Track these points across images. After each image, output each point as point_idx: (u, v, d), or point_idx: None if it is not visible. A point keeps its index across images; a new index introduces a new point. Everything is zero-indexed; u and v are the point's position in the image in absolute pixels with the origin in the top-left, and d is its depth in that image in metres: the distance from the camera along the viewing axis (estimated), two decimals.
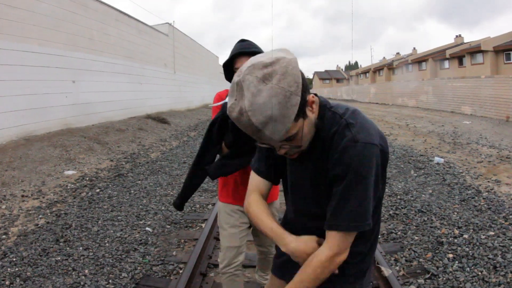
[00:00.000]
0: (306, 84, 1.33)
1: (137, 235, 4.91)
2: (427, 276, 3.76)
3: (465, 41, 38.70)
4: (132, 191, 7.02)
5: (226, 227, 2.75)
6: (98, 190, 7.11)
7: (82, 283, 3.69)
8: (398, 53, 55.58)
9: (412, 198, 6.19)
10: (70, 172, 8.45)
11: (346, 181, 1.39)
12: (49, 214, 5.87)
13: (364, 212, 1.41)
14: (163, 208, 6.09)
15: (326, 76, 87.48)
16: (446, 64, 36.23)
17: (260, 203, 1.69)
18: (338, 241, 1.42)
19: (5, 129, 10.13)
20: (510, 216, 5.20)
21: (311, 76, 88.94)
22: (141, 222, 5.40)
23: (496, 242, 4.38)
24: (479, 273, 3.73)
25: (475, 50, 30.10)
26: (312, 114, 1.42)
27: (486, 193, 6.36)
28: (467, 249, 4.23)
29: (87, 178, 8.02)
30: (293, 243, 1.51)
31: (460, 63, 33.29)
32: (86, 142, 11.28)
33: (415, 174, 7.83)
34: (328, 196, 1.48)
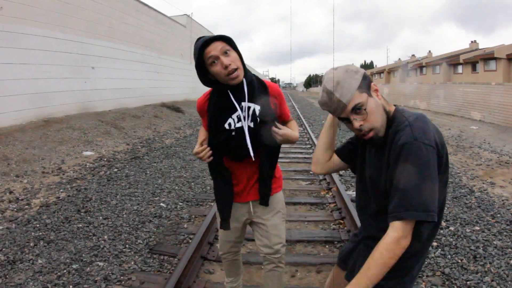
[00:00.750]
0: (367, 75, 1.71)
1: (152, 209, 5.41)
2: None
3: (480, 47, 38.58)
4: (148, 172, 7.54)
5: (221, 234, 2.74)
6: (115, 170, 7.62)
7: (101, 247, 4.18)
8: (413, 55, 55.30)
9: None
10: (88, 153, 8.94)
11: (405, 173, 1.54)
12: (69, 189, 6.36)
13: (425, 202, 1.51)
14: (176, 187, 6.59)
15: None
16: (460, 69, 36.18)
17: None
18: (402, 227, 1.52)
19: (25, 110, 10.63)
20: (498, 215, 5.56)
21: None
22: (156, 198, 5.91)
23: (480, 236, 4.76)
24: (459, 261, 4.12)
25: (488, 57, 30.11)
26: (378, 99, 1.71)
27: (479, 193, 6.72)
28: (451, 239, 4.62)
29: (105, 159, 8.52)
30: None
31: (474, 68, 33.27)
32: (103, 126, 11.78)
33: None
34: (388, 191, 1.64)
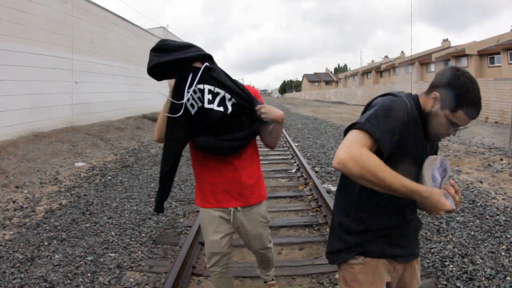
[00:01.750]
0: None
1: (150, 209, 6.03)
2: None
3: (452, 45, 39.72)
4: (140, 178, 8.14)
5: (207, 234, 2.80)
6: (109, 177, 8.18)
7: (110, 241, 4.77)
8: (386, 56, 56.53)
9: None
10: (80, 164, 9.45)
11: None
12: (69, 196, 6.89)
13: None
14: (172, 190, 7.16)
15: (315, 79, 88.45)
16: (432, 67, 37.26)
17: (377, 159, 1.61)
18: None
19: (15, 126, 11.02)
20: (462, 196, 6.27)
21: (300, 79, 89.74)
22: (152, 199, 6.50)
23: (444, 214, 5.48)
24: (424, 234, 4.84)
25: (460, 54, 31.33)
26: None
27: None
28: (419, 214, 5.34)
29: (97, 169, 9.05)
30: (435, 191, 1.65)
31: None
32: (90, 139, 12.27)
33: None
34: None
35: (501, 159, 9.09)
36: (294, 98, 79.74)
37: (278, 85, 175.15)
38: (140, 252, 4.52)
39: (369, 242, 1.89)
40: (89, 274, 3.95)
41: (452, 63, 32.50)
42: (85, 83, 14.95)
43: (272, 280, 3.41)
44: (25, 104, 11.42)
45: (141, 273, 4.04)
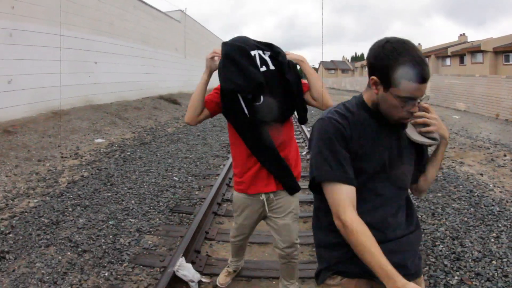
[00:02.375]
0: None
1: (167, 182, 6.43)
2: None
3: (469, 40, 39.35)
4: (158, 154, 8.55)
5: (239, 218, 2.93)
6: (128, 153, 8.57)
7: (131, 208, 5.16)
8: None
9: None
10: (99, 140, 9.84)
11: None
12: (90, 169, 7.28)
13: None
14: (184, 166, 7.65)
15: (331, 66, 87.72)
16: (448, 61, 37.02)
17: (366, 227, 1.51)
18: None
19: (35, 103, 11.42)
20: (460, 186, 6.56)
21: (316, 66, 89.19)
22: (169, 174, 6.92)
23: (440, 200, 5.78)
24: (419, 216, 5.10)
25: (475, 50, 30.99)
26: None
27: (447, 169, 7.72)
28: (414, 201, 5.62)
29: (116, 145, 9.45)
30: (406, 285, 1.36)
31: (461, 61, 34.11)
32: (108, 117, 12.66)
33: None
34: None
35: (505, 155, 9.18)
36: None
37: None
38: (157, 219, 4.90)
39: (348, 260, 1.66)
40: (111, 236, 4.32)
41: (467, 58, 32.32)
42: (104, 63, 15.34)
43: None
44: (44, 82, 11.79)
45: (159, 237, 4.42)
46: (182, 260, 3.46)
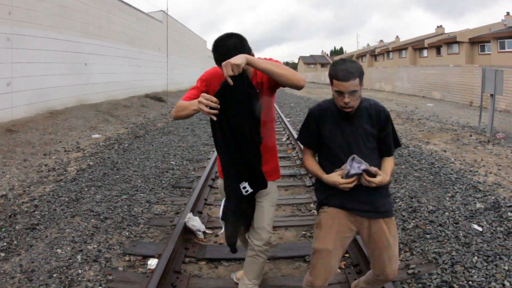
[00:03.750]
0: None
1: (166, 165, 7.43)
2: None
3: (446, 31, 40.35)
4: (153, 144, 9.52)
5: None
6: (126, 145, 9.48)
7: (138, 186, 6.13)
8: (381, 41, 57.13)
9: None
10: (96, 136, 10.66)
11: (389, 126, 2.56)
12: (94, 159, 8.13)
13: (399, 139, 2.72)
14: (179, 153, 8.70)
15: (311, 61, 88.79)
16: (425, 53, 38.34)
17: (314, 166, 2.62)
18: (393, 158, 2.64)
19: (32, 104, 12.15)
20: (423, 160, 7.60)
21: (296, 61, 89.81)
22: (166, 159, 7.92)
23: (403, 171, 6.85)
24: None
25: (451, 41, 32.23)
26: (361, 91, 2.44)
27: (413, 147, 8.76)
28: None
29: (113, 139, 10.30)
30: (334, 178, 2.42)
31: (438, 52, 35.44)
32: (101, 115, 13.47)
33: None
34: (368, 146, 2.49)
35: (471, 135, 10.18)
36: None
37: None
38: (162, 193, 5.90)
39: (331, 196, 2.52)
40: (125, 207, 5.23)
41: (444, 49, 33.42)
42: (94, 64, 16.13)
43: None
44: (40, 84, 12.51)
45: (165, 205, 5.40)
46: (190, 214, 4.40)
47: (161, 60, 26.11)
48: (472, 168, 7.06)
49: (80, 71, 15.16)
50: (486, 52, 29.53)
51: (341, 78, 2.33)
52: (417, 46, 39.26)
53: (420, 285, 3.38)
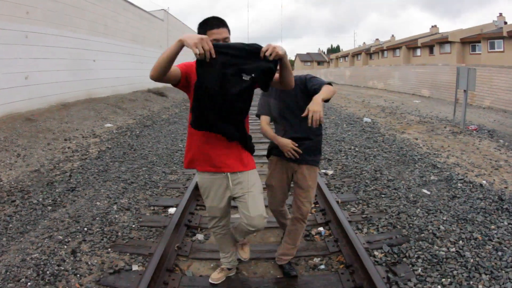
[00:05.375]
0: None
1: (175, 147, 8.73)
2: (331, 160, 7.42)
3: (440, 31, 40.90)
4: (162, 132, 10.78)
5: (206, 199, 3.10)
6: (137, 132, 10.73)
7: (154, 161, 7.45)
8: (377, 39, 57.67)
9: (335, 136, 9.98)
10: (109, 125, 11.88)
11: (309, 83, 3.24)
12: (111, 143, 9.36)
13: (322, 82, 3.20)
14: (185, 138, 9.65)
15: (307, 59, 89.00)
16: (418, 52, 39.14)
17: (268, 130, 3.47)
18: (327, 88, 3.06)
19: (47, 96, 13.27)
20: (394, 145, 8.82)
21: (293, 58, 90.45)
22: (175, 143, 9.20)
23: (374, 152, 8.09)
24: (355, 160, 7.43)
25: (443, 41, 33.00)
26: None
27: (388, 136, 10.00)
28: (354, 153, 7.99)
29: (124, 128, 11.54)
30: (281, 140, 3.28)
31: (431, 52, 36.20)
32: (110, 107, 14.68)
33: (346, 127, 11.54)
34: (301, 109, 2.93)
35: (445, 127, 11.23)
36: None
37: None
38: (175, 167, 7.20)
39: (274, 149, 3.50)
40: (146, 175, 6.53)
41: (436, 48, 34.09)
42: (101, 61, 17.31)
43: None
44: (54, 78, 13.65)
45: (178, 175, 6.71)
46: None
47: None
48: (436, 152, 8.24)
49: (89, 66, 16.34)
50: (477, 52, 30.12)
51: None
52: (411, 45, 40.07)
53: (370, 225, 4.64)
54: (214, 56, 2.40)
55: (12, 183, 6.29)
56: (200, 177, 3.01)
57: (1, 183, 6.26)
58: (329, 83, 3.15)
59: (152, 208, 5.26)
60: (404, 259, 3.78)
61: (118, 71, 19.28)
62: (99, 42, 17.24)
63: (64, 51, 14.31)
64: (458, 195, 5.57)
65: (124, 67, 20.04)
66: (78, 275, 3.52)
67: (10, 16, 11.31)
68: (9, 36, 11.21)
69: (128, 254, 3.97)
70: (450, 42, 32.23)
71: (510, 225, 4.51)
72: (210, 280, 3.45)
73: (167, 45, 27.29)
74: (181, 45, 2.43)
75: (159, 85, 24.55)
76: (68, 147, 8.94)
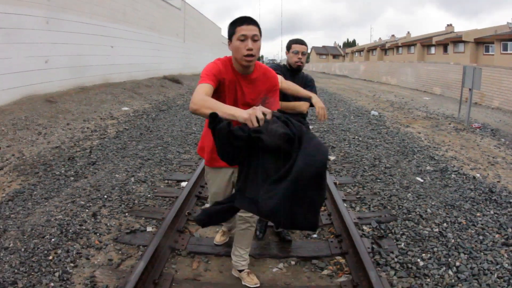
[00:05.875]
0: None
1: (189, 130, 9.28)
2: (334, 148, 7.88)
3: (458, 30, 40.82)
4: (177, 116, 11.33)
5: (210, 186, 3.19)
6: (153, 115, 11.29)
7: (169, 142, 8.00)
8: (393, 35, 57.69)
9: (341, 127, 10.42)
10: (126, 108, 12.42)
11: None
12: (129, 125, 9.89)
13: None
14: (199, 122, 10.46)
15: (323, 52, 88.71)
16: (433, 50, 39.42)
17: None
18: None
19: (65, 80, 13.80)
20: (396, 137, 9.21)
21: (308, 50, 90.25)
22: (189, 126, 9.77)
23: (377, 142, 8.50)
24: (357, 148, 7.86)
25: (457, 40, 33.23)
26: None
27: (392, 128, 10.39)
28: (357, 142, 8.41)
29: (140, 111, 12.08)
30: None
31: (445, 50, 36.45)
32: (126, 92, 15.22)
33: (353, 119, 11.95)
34: None
35: (449, 123, 11.51)
36: None
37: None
38: (188, 147, 7.74)
39: None
40: (162, 154, 7.07)
41: (450, 47, 34.28)
42: (118, 47, 17.85)
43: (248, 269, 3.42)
44: (73, 63, 14.20)
45: (191, 155, 7.24)
46: None
47: (178, 45, 27.87)
48: (436, 146, 8.58)
49: (107, 52, 16.88)
50: (490, 53, 30.30)
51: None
52: (425, 43, 40.16)
53: (363, 204, 5.10)
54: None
55: (35, 157, 6.76)
56: (207, 167, 3.13)
57: (24, 157, 6.74)
58: (310, 98, 3.55)
59: (166, 181, 5.79)
60: (390, 234, 4.20)
61: (135, 57, 19.81)
62: (118, 29, 17.76)
63: (83, 37, 14.81)
64: (450, 185, 5.93)
65: (140, 54, 20.56)
66: (98, 234, 4.03)
67: (32, 3, 11.78)
68: (30, 22, 11.67)
69: (143, 218, 4.49)
70: (464, 42, 32.41)
71: (496, 215, 4.83)
72: (214, 242, 3.93)
73: (184, 34, 28.06)
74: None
75: (173, 72, 25.18)
76: (87, 127, 9.43)
